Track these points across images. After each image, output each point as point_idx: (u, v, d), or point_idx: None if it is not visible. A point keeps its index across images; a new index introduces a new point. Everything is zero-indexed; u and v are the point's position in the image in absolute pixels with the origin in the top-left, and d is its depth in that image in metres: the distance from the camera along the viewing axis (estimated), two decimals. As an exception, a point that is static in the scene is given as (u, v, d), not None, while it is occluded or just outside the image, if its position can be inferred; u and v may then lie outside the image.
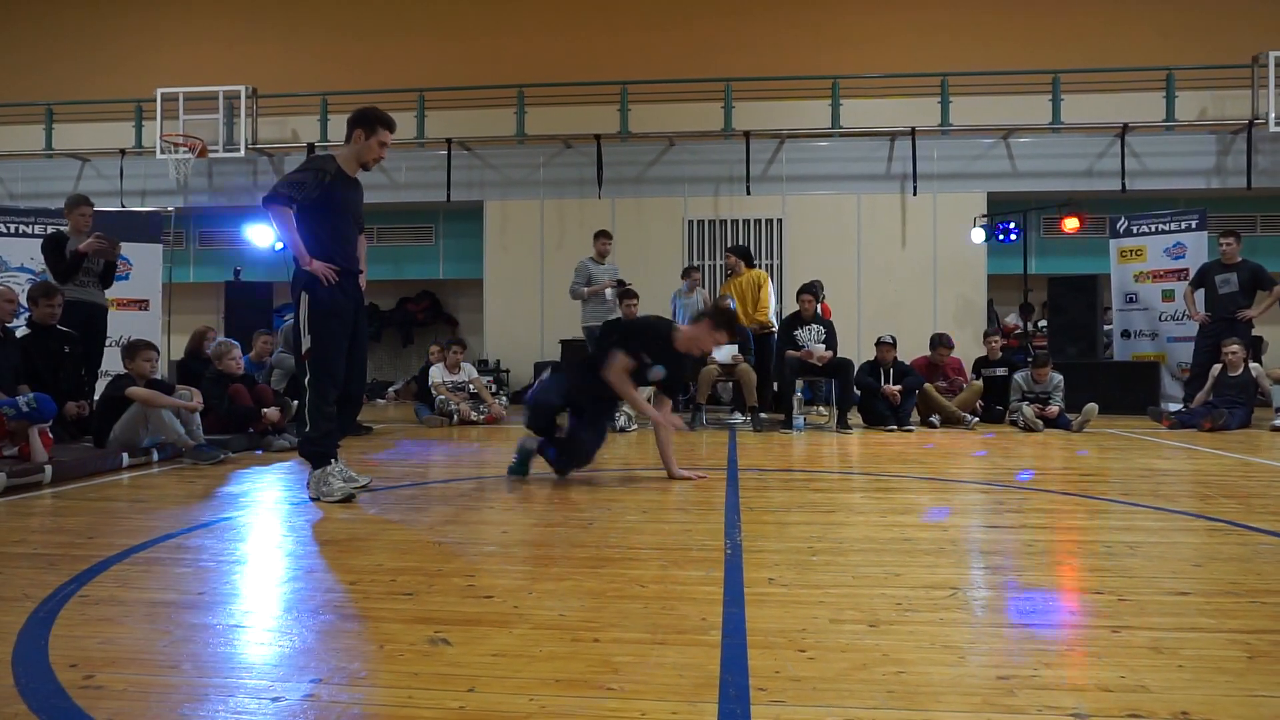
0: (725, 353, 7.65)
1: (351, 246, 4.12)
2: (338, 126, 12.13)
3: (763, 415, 7.74)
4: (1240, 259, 8.46)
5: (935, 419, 7.85)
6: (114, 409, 5.22)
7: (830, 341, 7.81)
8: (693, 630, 2.03)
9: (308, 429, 3.97)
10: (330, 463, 3.96)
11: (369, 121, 4.04)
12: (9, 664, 1.80)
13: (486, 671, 1.77)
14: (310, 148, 11.83)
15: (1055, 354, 9.21)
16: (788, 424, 7.52)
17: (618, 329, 4.82)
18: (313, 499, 3.87)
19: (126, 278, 9.01)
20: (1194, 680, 1.71)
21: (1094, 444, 6.43)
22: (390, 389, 12.28)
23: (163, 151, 11.77)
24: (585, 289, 8.25)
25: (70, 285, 6.09)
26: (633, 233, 11.48)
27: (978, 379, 8.33)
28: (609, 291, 8.22)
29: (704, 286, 9.96)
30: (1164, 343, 9.95)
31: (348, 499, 3.84)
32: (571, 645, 1.93)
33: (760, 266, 10.95)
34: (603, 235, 8.58)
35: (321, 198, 3.93)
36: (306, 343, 3.95)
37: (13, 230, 9.37)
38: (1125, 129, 11.01)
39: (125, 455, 5.00)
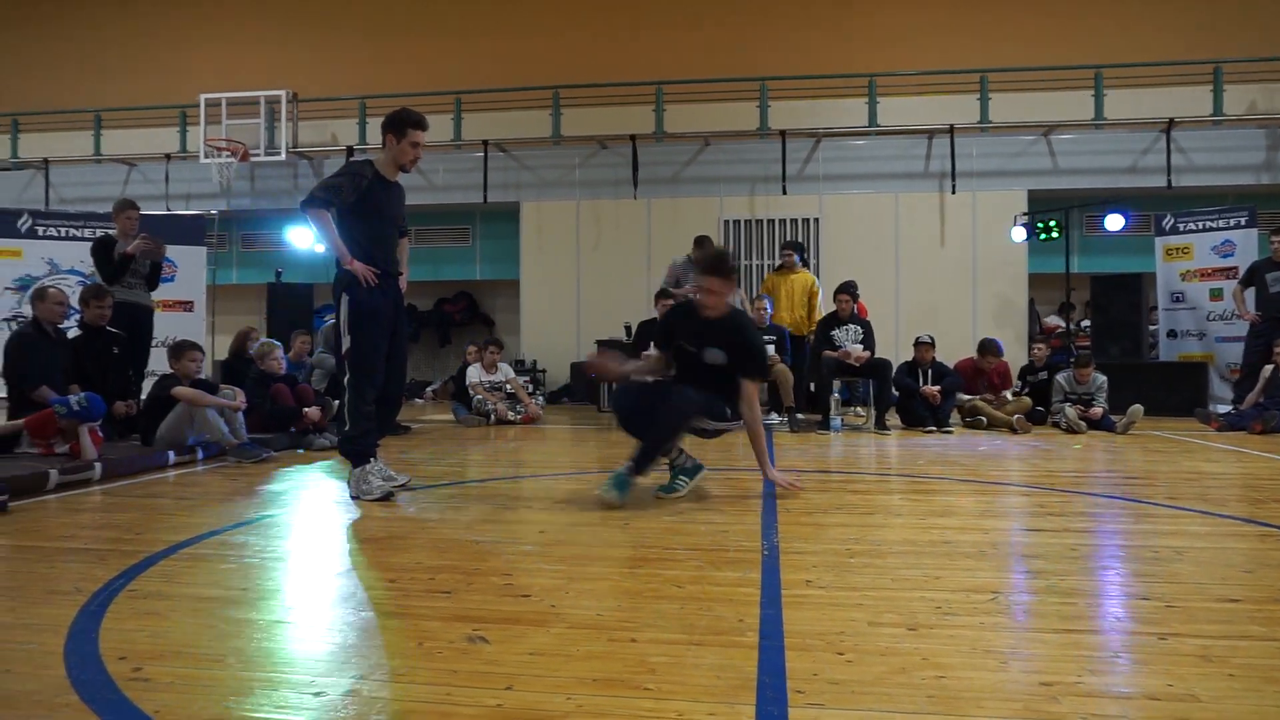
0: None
1: (390, 249, 4.16)
2: (377, 130, 12.25)
3: (799, 416, 7.69)
4: (1292, 256, 8.23)
5: (983, 419, 7.72)
6: (160, 408, 5.33)
7: (868, 341, 7.73)
8: (730, 631, 2.03)
9: (347, 428, 4.02)
10: (369, 461, 4.01)
11: (398, 124, 4.06)
12: (61, 656, 1.85)
13: (524, 670, 1.78)
14: (349, 151, 11.99)
15: (1098, 354, 9.03)
16: (824, 425, 7.46)
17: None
18: (353, 497, 3.92)
19: (172, 280, 9.21)
20: (1245, 690, 1.67)
21: (1139, 446, 6.30)
22: (428, 389, 12.40)
23: (206, 156, 12.03)
24: (671, 289, 8.19)
25: (118, 287, 6.23)
26: (668, 233, 11.46)
27: (1024, 389, 8.18)
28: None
29: (741, 286, 9.92)
30: (1212, 343, 9.70)
31: (387, 497, 3.88)
32: (608, 645, 1.93)
33: (807, 266, 10.88)
34: (696, 244, 8.27)
35: (359, 202, 3.98)
36: (346, 343, 3.99)
37: (64, 234, 9.64)
38: (1171, 124, 10.76)
39: (171, 454, 5.11)
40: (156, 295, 6.87)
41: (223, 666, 1.81)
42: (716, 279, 3.92)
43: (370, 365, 4.01)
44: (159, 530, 3.23)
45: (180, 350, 5.59)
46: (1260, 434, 7.04)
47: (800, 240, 11.01)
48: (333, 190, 3.93)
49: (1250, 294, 8.49)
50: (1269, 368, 7.72)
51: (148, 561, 2.71)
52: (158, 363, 7.09)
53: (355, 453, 4.02)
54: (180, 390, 5.33)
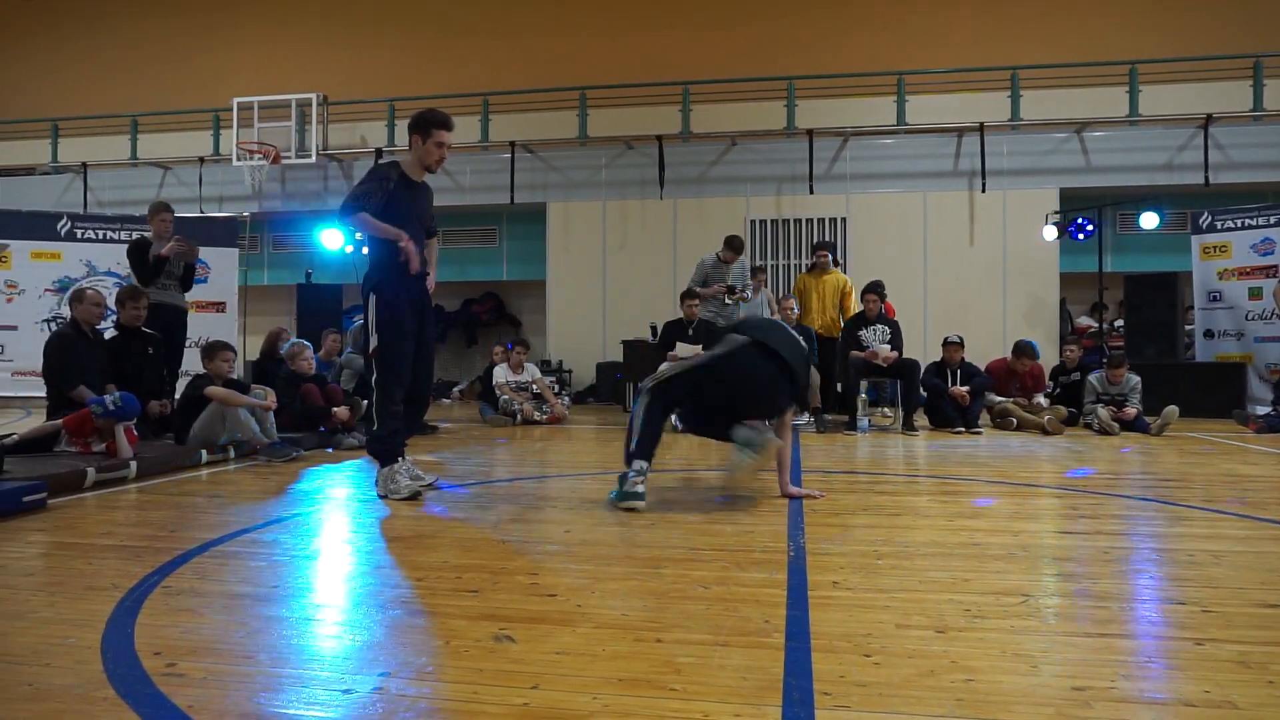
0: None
1: (419, 248, 4.20)
2: (405, 132, 12.42)
3: (827, 416, 7.65)
4: (1334, 254, 8.05)
5: (1013, 420, 7.62)
6: (193, 408, 5.41)
7: (895, 341, 7.67)
8: (756, 632, 2.02)
9: (375, 427, 4.06)
10: (397, 461, 4.04)
11: (424, 125, 4.09)
12: (99, 650, 1.89)
13: (550, 669, 1.79)
14: (378, 153, 12.11)
15: (1132, 355, 8.89)
16: (852, 425, 7.41)
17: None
18: (380, 496, 3.96)
19: (205, 281, 9.34)
20: (1285, 696, 1.64)
21: (1174, 448, 6.19)
22: (455, 389, 12.49)
23: (239, 159, 12.21)
24: (699, 289, 8.18)
25: (153, 288, 6.33)
26: (694, 233, 11.45)
27: (1055, 389, 8.06)
28: (727, 297, 8.11)
29: (768, 287, 9.88)
30: (1250, 343, 9.50)
31: (414, 496, 3.91)
32: (634, 645, 1.94)
33: (837, 266, 10.83)
34: (727, 243, 8.23)
35: (387, 204, 4.01)
36: (374, 343, 4.02)
37: (101, 236, 9.81)
38: (1209, 120, 10.56)
39: (204, 453, 5.19)
40: (190, 296, 6.97)
41: (253, 663, 1.84)
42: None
43: (398, 365, 4.04)
44: (192, 528, 3.28)
45: (213, 350, 5.67)
46: (1300, 436, 6.89)
47: (830, 240, 10.95)
48: (364, 196, 3.97)
49: (1290, 292, 8.32)
50: (1309, 368, 7.55)
51: (181, 559, 2.75)
52: (191, 363, 7.20)
53: (383, 452, 4.05)
54: (213, 390, 5.40)
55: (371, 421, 4.09)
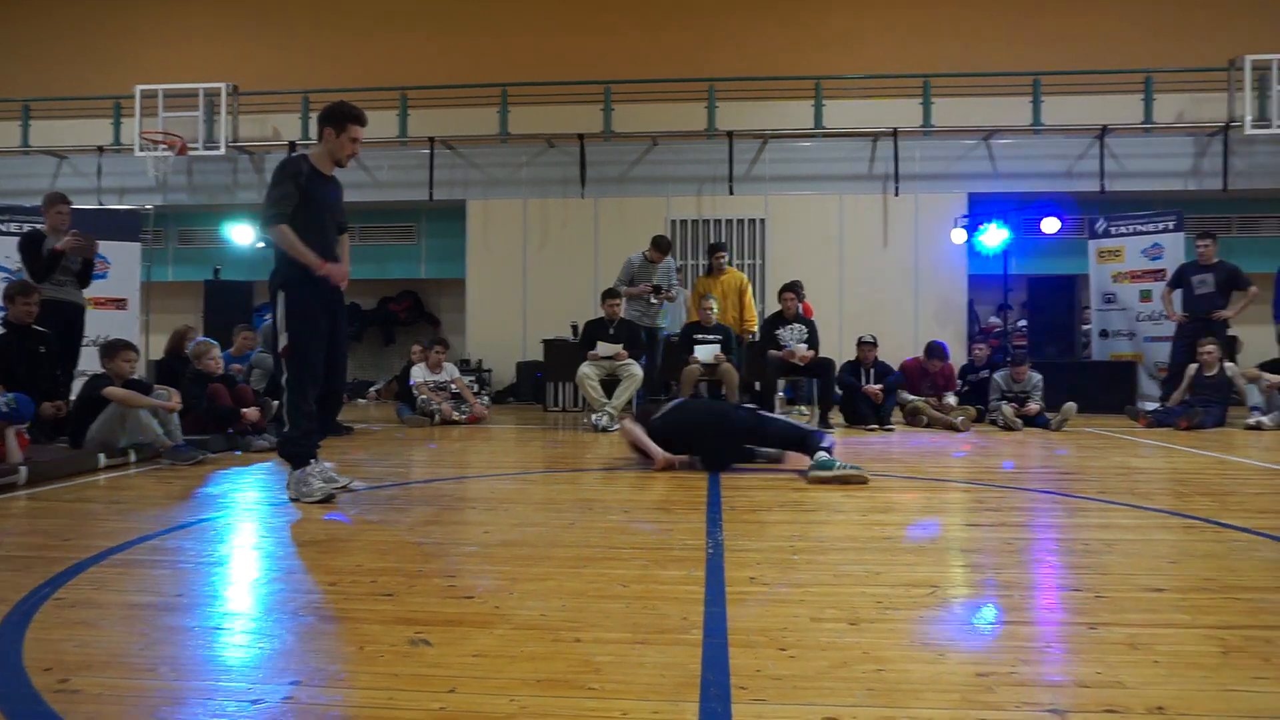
0: (707, 352, 7.67)
1: (329, 245, 4.07)
2: (317, 125, 12.07)
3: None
4: (1216, 260, 8.57)
5: (924, 418, 7.87)
6: (91, 409, 5.16)
7: (812, 341, 7.84)
8: (674, 630, 2.04)
9: (287, 429, 3.94)
10: (310, 463, 3.93)
11: (337, 118, 4.00)
12: (-18, 668, 1.78)
13: (467, 672, 1.77)
14: (292, 145, 11.75)
15: (1035, 353, 9.30)
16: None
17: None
18: (292, 499, 3.84)
19: (104, 276, 8.92)
20: (1169, 675, 1.74)
21: (1072, 442, 6.50)
22: (372, 389, 12.20)
23: (142, 149, 11.65)
24: (624, 288, 8.18)
25: (47, 284, 6.02)
26: (616, 232, 11.47)
27: (964, 388, 8.38)
28: (653, 297, 8.16)
29: (686, 287, 9.97)
30: (1141, 342, 10.05)
31: (328, 499, 3.81)
32: (553, 645, 1.93)
33: (742, 267, 11.01)
34: (654, 243, 8.38)
35: (300, 200, 3.91)
36: (284, 341, 3.91)
37: (-13, 228, 9.25)
38: (1104, 130, 11.12)
39: (102, 456, 4.95)
40: (89, 292, 6.66)
41: (154, 676, 1.76)
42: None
43: (310, 364, 3.93)
44: (89, 536, 3.13)
45: (114, 349, 5.41)
46: (1185, 430, 7.32)
47: (729, 240, 11.14)
48: (283, 201, 3.87)
49: (1178, 295, 8.81)
50: (1194, 366, 8.02)
51: (76, 568, 2.62)
52: (89, 362, 6.86)
53: (295, 454, 3.93)
54: (113, 390, 5.16)
55: (282, 423, 3.98)
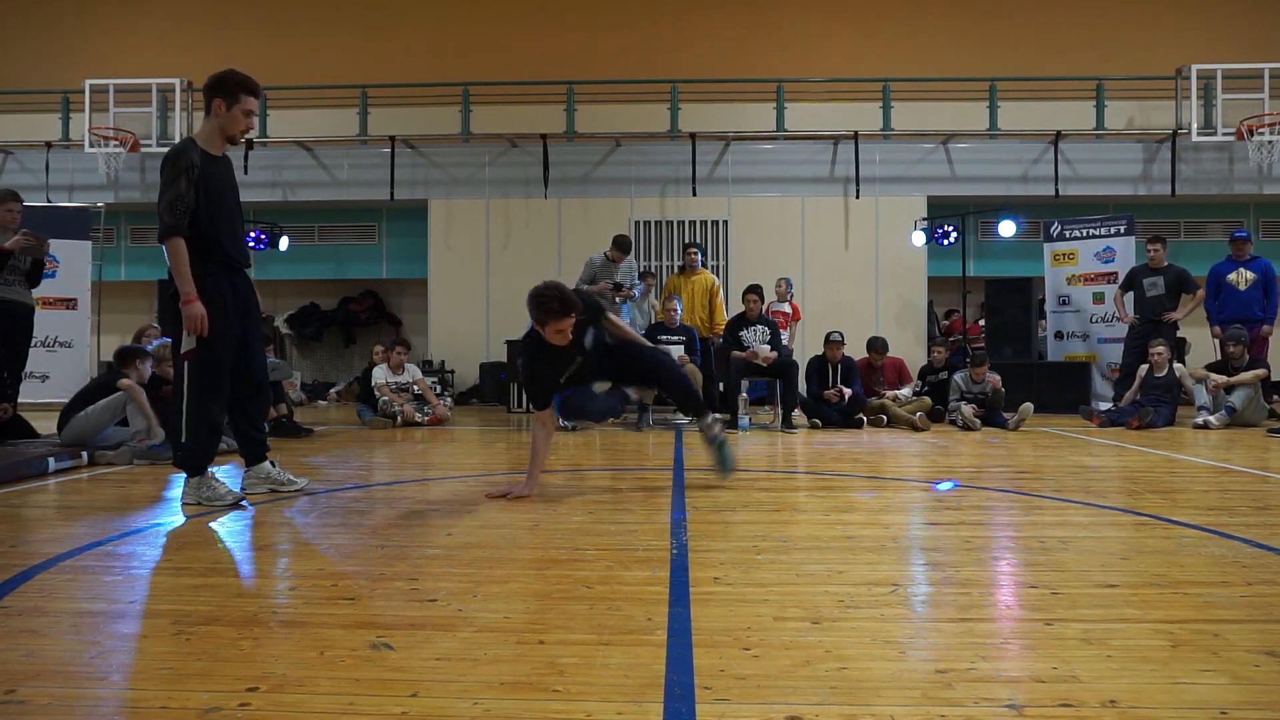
0: (672, 352, 7.68)
1: (238, 235, 3.85)
2: (276, 122, 11.90)
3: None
4: (1166, 263, 8.79)
5: (884, 417, 7.97)
6: (97, 395, 5.44)
7: (775, 341, 7.90)
8: (638, 630, 2.03)
9: (184, 438, 3.69)
10: (207, 473, 3.76)
11: (228, 88, 3.64)
12: (-76, 679, 1.72)
13: (429, 676, 1.75)
14: (249, 144, 11.55)
15: (992, 354, 9.46)
16: (733, 424, 7.58)
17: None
18: (186, 504, 3.71)
19: (54, 276, 8.68)
20: (1121, 669, 1.78)
21: (1029, 442, 6.62)
22: (332, 390, 12.05)
23: (92, 145, 11.38)
24: (586, 286, 8.16)
25: (-8, 284, 5.84)
26: (579, 233, 11.47)
27: (924, 388, 8.50)
28: (615, 296, 8.15)
29: (656, 291, 9.98)
30: (1095, 344, 10.28)
31: (237, 503, 3.72)
32: (516, 648, 1.92)
33: (706, 267, 11.05)
34: (615, 243, 8.38)
35: (196, 196, 3.63)
36: (189, 344, 3.65)
37: (-70, 225, 8.95)
38: (1058, 136, 11.36)
39: (51, 460, 4.82)
40: (37, 292, 6.46)
41: (106, 685, 1.72)
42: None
43: (216, 371, 3.71)
44: (37, 542, 3.04)
45: (130, 356, 5.71)
46: (1137, 429, 7.50)
47: (700, 241, 11.18)
48: (179, 204, 3.57)
49: (1129, 298, 9.03)
50: (1144, 367, 8.22)
51: (23, 575, 2.54)
52: (37, 364, 6.68)
53: (193, 465, 3.73)
54: (129, 383, 5.45)
55: (179, 431, 3.70)
